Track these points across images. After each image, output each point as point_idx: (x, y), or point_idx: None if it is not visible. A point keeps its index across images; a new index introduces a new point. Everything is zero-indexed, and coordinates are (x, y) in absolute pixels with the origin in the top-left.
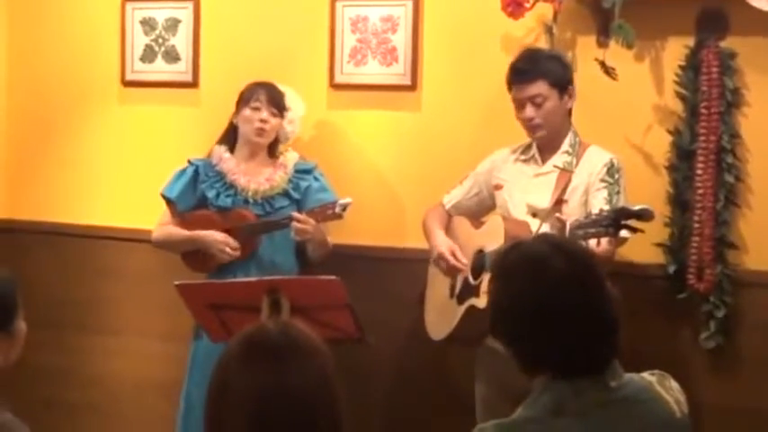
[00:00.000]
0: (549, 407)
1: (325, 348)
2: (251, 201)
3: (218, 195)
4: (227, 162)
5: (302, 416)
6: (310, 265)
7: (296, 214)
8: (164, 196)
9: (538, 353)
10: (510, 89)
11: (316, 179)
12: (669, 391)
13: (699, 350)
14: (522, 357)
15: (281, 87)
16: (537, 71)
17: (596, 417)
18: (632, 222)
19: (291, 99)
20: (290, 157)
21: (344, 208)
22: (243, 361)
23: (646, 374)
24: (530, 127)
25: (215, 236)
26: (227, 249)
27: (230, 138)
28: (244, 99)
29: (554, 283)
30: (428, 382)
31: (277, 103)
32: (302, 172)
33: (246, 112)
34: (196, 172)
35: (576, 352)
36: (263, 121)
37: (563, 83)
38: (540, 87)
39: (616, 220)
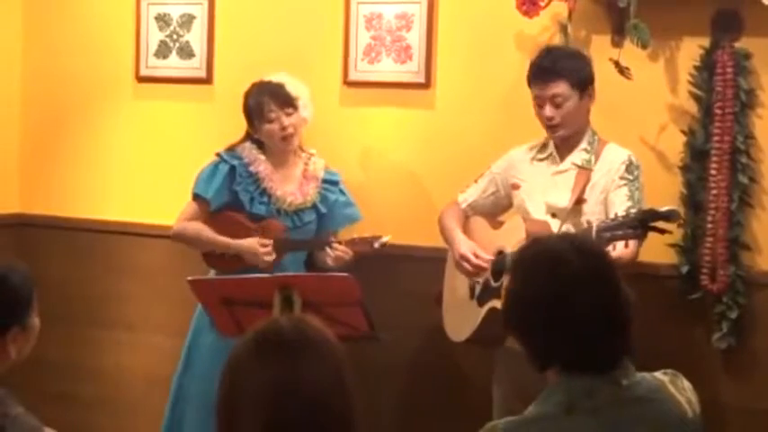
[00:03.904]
0: (561, 404)
1: (338, 344)
2: (282, 212)
3: (251, 200)
4: (264, 166)
5: (315, 411)
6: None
7: (336, 244)
8: (197, 195)
9: (548, 346)
10: (530, 86)
11: (342, 192)
12: (681, 391)
13: (711, 351)
14: (533, 350)
15: (275, 78)
16: (558, 71)
17: (608, 415)
18: (659, 224)
19: (292, 85)
20: (318, 166)
21: (383, 245)
22: (256, 357)
23: (658, 374)
24: (549, 126)
25: (257, 247)
26: (266, 259)
27: (255, 139)
28: (255, 113)
29: (570, 279)
30: (442, 380)
31: (286, 100)
32: (329, 183)
33: (266, 126)
34: (231, 171)
35: (585, 348)
36: (284, 128)
37: (584, 84)
38: (560, 87)
39: (643, 221)
